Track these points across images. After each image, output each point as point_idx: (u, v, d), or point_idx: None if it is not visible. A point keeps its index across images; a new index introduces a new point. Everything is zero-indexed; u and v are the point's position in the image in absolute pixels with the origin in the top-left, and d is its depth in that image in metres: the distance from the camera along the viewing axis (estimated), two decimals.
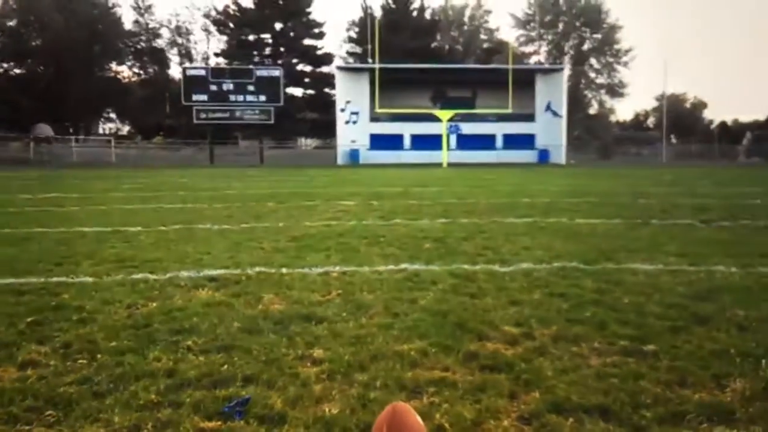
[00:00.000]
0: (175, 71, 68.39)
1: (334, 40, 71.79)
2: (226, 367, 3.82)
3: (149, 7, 67.32)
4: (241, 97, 47.25)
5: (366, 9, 68.17)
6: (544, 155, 48.31)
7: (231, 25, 66.85)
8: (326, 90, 64.93)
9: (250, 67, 51.32)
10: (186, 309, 5.07)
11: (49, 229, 9.98)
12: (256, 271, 6.54)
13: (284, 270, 6.58)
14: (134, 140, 64.76)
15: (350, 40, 73.56)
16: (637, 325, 4.58)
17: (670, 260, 7.03)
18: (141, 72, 69.39)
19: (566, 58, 69.74)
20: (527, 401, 3.33)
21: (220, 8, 67.58)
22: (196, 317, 4.83)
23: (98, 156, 46.01)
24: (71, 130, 58.60)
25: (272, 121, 47.85)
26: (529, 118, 49.37)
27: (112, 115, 73.21)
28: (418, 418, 2.15)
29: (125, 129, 74.53)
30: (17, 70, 60.90)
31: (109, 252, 7.76)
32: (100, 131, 71.53)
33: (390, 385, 3.54)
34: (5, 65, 58.96)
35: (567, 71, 53.23)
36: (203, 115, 47.45)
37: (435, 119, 44.59)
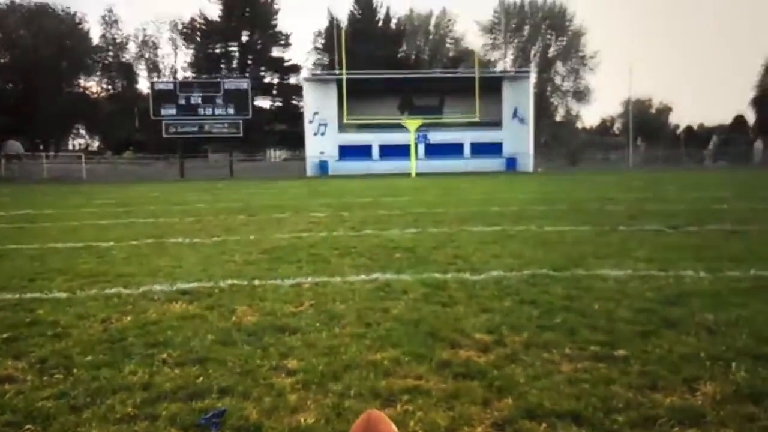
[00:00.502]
0: (143, 85, 67.90)
1: (301, 51, 72.01)
2: (201, 379, 3.83)
3: (116, 21, 66.72)
4: (209, 110, 46.98)
5: (332, 19, 68.34)
6: (511, 163, 48.73)
7: (198, 37, 66.56)
8: (294, 101, 64.89)
9: (218, 79, 51.09)
10: (160, 322, 5.06)
11: (22, 245, 9.85)
12: (229, 283, 6.53)
13: (256, 282, 6.58)
14: (104, 155, 64.01)
15: (317, 50, 73.64)
16: (607, 330, 4.67)
17: (639, 266, 7.16)
18: (109, 87, 68.72)
19: (532, 65, 70.48)
20: (500, 408, 3.38)
21: (187, 20, 67.12)
22: (170, 330, 4.82)
23: (69, 172, 45.36)
24: (41, 147, 57.80)
25: (241, 134, 47.62)
26: (497, 125, 49.77)
27: (82, 131, 72.33)
28: (393, 426, 2.18)
29: (95, 144, 73.66)
30: None
31: (82, 267, 7.69)
32: (70, 147, 70.56)
33: (364, 393, 3.57)
34: None
35: (533, 77, 53.82)
36: (172, 129, 47.07)
37: (403, 129, 44.77)
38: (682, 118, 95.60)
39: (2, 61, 59.15)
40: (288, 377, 3.86)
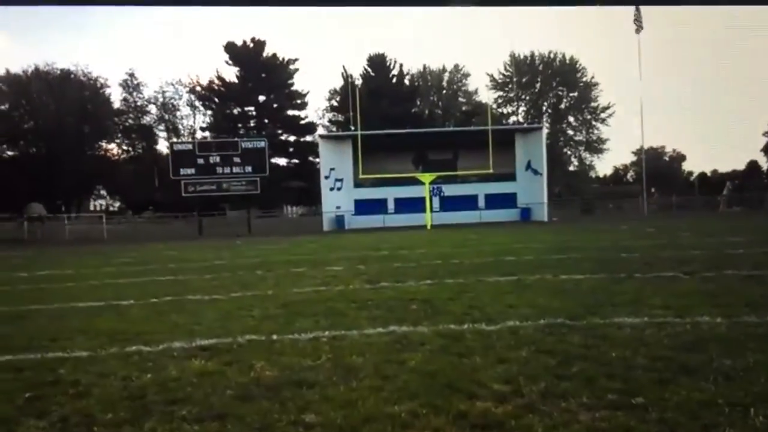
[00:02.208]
0: (162, 146, 69.14)
1: (317, 107, 73.45)
2: None
3: (137, 85, 68.32)
4: (227, 169, 47.62)
5: (347, 77, 69.58)
6: (526, 213, 48.68)
7: (216, 99, 67.96)
8: (310, 158, 65.68)
9: (236, 139, 51.94)
10: (180, 379, 5.12)
11: (44, 305, 9.98)
12: (247, 339, 6.59)
13: (274, 337, 6.64)
14: (124, 215, 64.79)
15: (332, 108, 74.87)
16: (624, 378, 4.67)
17: (656, 313, 7.14)
18: (130, 149, 70.04)
19: (544, 117, 71.01)
20: None
21: (205, 83, 68.66)
22: (189, 387, 4.88)
23: (90, 232, 45.90)
24: (63, 208, 58.68)
25: (258, 191, 48.11)
26: (510, 177, 49.91)
27: (103, 192, 73.51)
28: None
29: (116, 205, 74.70)
30: (10, 152, 61.50)
31: (102, 326, 7.79)
32: (91, 207, 71.62)
33: None
34: None
35: (546, 130, 54.14)
36: (191, 188, 47.68)
37: (418, 182, 45.04)
38: (695, 165, 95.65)
39: (26, 126, 60.62)
40: (306, 431, 3.88)
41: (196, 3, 1.83)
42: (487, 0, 1.84)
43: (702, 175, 69.19)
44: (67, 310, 9.42)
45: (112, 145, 69.57)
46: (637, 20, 48.59)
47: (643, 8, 47.72)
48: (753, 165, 65.05)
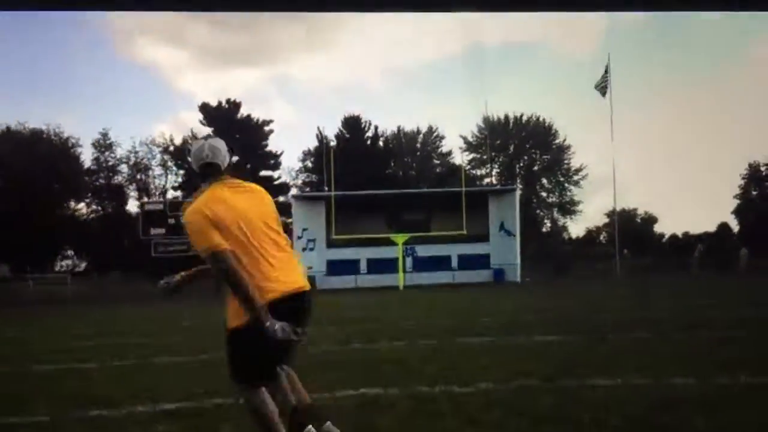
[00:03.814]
0: (132, 206, 68.61)
1: (291, 169, 73.83)
2: None
3: (110, 145, 68.16)
4: None
5: (322, 139, 70.22)
6: (499, 274, 48.83)
7: (189, 159, 68.02)
8: (283, 218, 65.68)
9: None
10: None
11: (3, 367, 9.69)
12: (214, 402, 6.43)
13: (242, 400, 6.46)
14: (90, 276, 63.77)
15: (306, 169, 75.22)
16: None
17: (629, 374, 7.10)
18: (99, 209, 69.40)
19: (518, 179, 72.00)
20: None
21: (178, 141, 68.75)
22: None
23: (55, 293, 45.06)
24: (28, 268, 57.63)
25: None
26: (483, 238, 50.24)
27: (70, 252, 72.37)
28: None
29: (82, 265, 73.49)
30: None
31: (65, 389, 7.54)
32: (57, 267, 70.36)
33: None
34: None
35: (519, 191, 54.92)
36: (161, 248, 47.24)
37: (391, 243, 45.15)
38: (666, 227, 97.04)
39: None
40: None
41: (191, 8, 1.83)
42: (487, 5, 1.86)
43: (673, 237, 70.22)
44: (28, 372, 9.14)
45: (81, 205, 68.97)
46: (603, 86, 49.89)
47: (612, 72, 49.28)
48: (723, 226, 66.23)
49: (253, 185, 4.50)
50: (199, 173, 4.37)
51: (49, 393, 7.30)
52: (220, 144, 4.40)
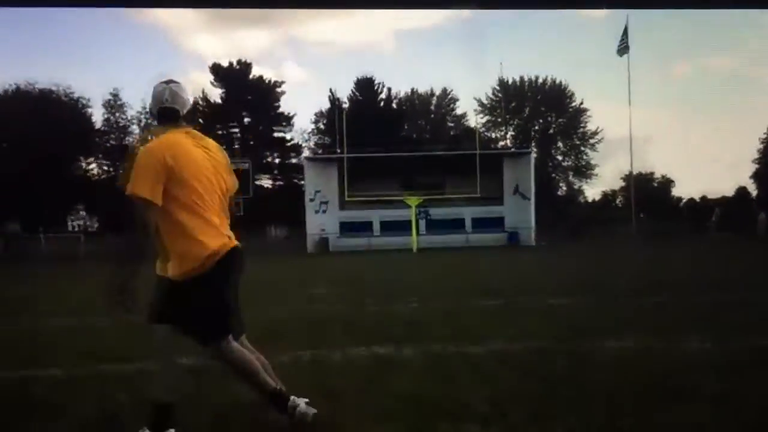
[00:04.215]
0: None
1: (303, 131, 73.30)
2: None
3: (121, 105, 68.08)
4: None
5: (334, 100, 69.75)
6: (513, 237, 48.66)
7: (200, 120, 67.87)
8: (295, 180, 65.60)
9: None
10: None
11: (18, 324, 9.78)
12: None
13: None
14: (104, 236, 64.23)
15: (318, 131, 74.89)
16: (611, 402, 4.57)
17: (643, 337, 7.06)
18: (111, 169, 69.63)
19: (533, 142, 71.34)
20: None
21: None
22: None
23: (68, 252, 45.45)
24: (41, 228, 58.09)
25: (242, 213, 47.97)
26: (498, 201, 50.02)
27: (82, 212, 72.81)
28: None
29: (95, 225, 73.97)
30: None
31: (77, 344, 7.60)
32: (69, 227, 70.84)
33: None
34: None
35: (534, 154, 54.40)
36: None
37: (404, 205, 45.04)
38: (684, 190, 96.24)
39: (4, 145, 60.24)
40: None
41: (195, 5, 1.76)
42: (489, 3, 1.78)
43: (691, 201, 69.58)
44: (41, 328, 9.22)
45: (93, 165, 69.19)
46: (623, 47, 49.03)
47: (631, 33, 48.40)
48: (742, 191, 65.66)
49: (213, 143, 4.40)
50: (156, 117, 4.24)
51: (61, 348, 7.34)
52: (183, 90, 4.23)
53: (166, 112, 4.16)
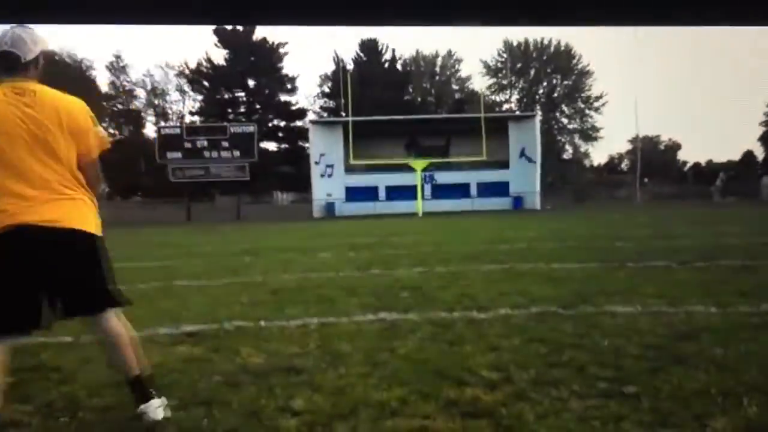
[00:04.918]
0: (149, 130, 68.71)
1: (308, 93, 72.70)
2: (206, 421, 3.79)
3: (124, 68, 67.74)
4: (215, 154, 47.34)
5: (338, 63, 69.25)
6: (518, 202, 48.74)
7: (205, 83, 67.50)
8: (301, 144, 65.46)
9: (225, 124, 51.58)
10: (165, 365, 5.02)
11: None
12: (235, 325, 6.50)
13: (262, 323, 6.55)
14: (113, 200, 64.43)
15: (323, 94, 74.50)
16: (616, 367, 4.60)
17: (648, 302, 7.08)
18: (116, 133, 69.52)
19: (538, 105, 70.83)
20: None
21: (193, 65, 68.13)
22: (175, 373, 4.79)
23: None
24: None
25: (248, 177, 47.96)
26: (503, 165, 49.92)
27: None
28: None
29: (104, 190, 74.20)
30: None
31: None
32: None
33: None
34: None
35: (539, 117, 54.11)
36: (179, 173, 47.44)
37: (409, 170, 44.99)
38: (690, 155, 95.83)
39: None
40: (293, 418, 3.81)
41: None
42: (489, 21, 1.78)
43: (696, 165, 69.31)
44: None
45: (99, 130, 69.09)
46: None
47: None
48: (748, 155, 65.26)
49: (59, 99, 3.71)
50: None
51: None
52: (30, 35, 3.57)
53: (2, 58, 3.51)
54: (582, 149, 77.84)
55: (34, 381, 4.74)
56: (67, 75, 61.70)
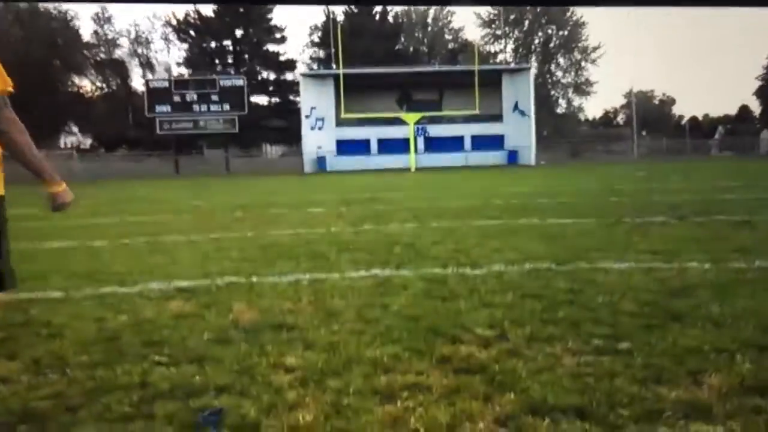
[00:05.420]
0: (137, 83, 67.73)
1: (297, 45, 71.63)
2: (198, 378, 3.75)
3: (109, 18, 66.43)
4: (204, 107, 46.82)
5: (328, 13, 68.10)
6: (513, 156, 48.57)
7: (192, 33, 66.26)
8: (291, 97, 64.74)
9: (214, 77, 50.88)
10: (156, 321, 4.98)
11: (14, 244, 9.70)
12: (226, 281, 6.45)
13: (254, 279, 6.50)
14: (97, 153, 63.85)
15: (313, 44, 73.44)
16: (610, 323, 4.58)
17: (643, 258, 7.08)
18: (103, 85, 68.55)
19: (533, 58, 70.08)
20: (502, 403, 3.30)
21: (180, 16, 66.82)
22: (166, 329, 4.74)
23: (61, 170, 44.78)
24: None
25: (237, 130, 47.57)
26: (497, 118, 49.63)
27: (74, 129, 72.06)
28: None
29: (87, 142, 73.38)
30: None
31: (75, 266, 7.61)
32: (62, 145, 70.26)
33: (364, 390, 3.49)
34: None
35: (534, 70, 53.62)
36: (166, 126, 46.95)
37: (402, 123, 44.66)
38: (686, 109, 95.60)
39: None
40: (286, 375, 3.78)
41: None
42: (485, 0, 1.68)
43: (693, 120, 69.05)
44: (39, 249, 9.21)
45: (85, 81, 68.08)
46: None
47: None
48: (745, 109, 65.07)
49: None
50: None
51: (60, 270, 7.35)
52: None
53: None
54: (576, 103, 77.46)
55: (23, 337, 4.68)
56: (50, 25, 60.68)
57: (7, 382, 3.80)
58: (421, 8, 77.19)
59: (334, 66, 49.98)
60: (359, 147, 48.99)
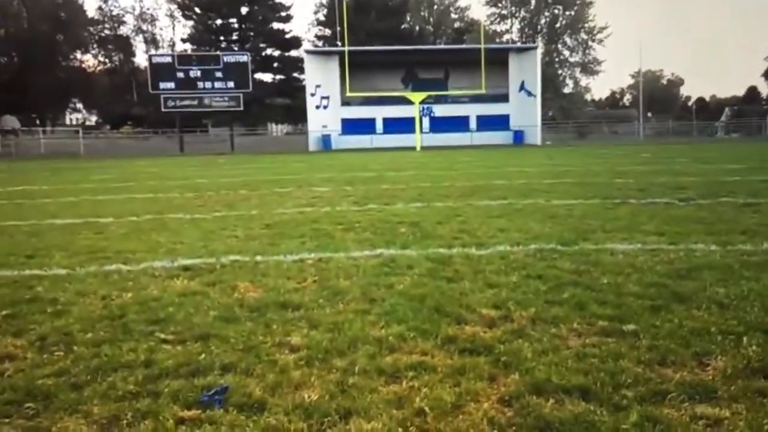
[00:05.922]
0: (141, 59, 67.46)
1: (302, 24, 71.17)
2: (203, 356, 3.76)
3: None
4: (209, 84, 46.55)
5: None
6: (519, 136, 48.34)
7: (197, 9, 65.83)
8: (296, 75, 64.38)
9: (218, 53, 50.54)
10: (161, 299, 5.00)
11: (20, 221, 9.77)
12: (231, 259, 6.46)
13: (259, 258, 6.51)
14: (102, 130, 63.76)
15: (318, 23, 72.95)
16: (616, 305, 4.58)
17: (649, 239, 7.06)
18: (107, 61, 68.29)
19: (539, 37, 69.46)
20: (507, 383, 3.31)
21: None
22: (171, 307, 4.76)
23: (66, 147, 45.16)
24: (38, 122, 57.45)
25: (241, 108, 47.33)
26: (503, 98, 49.30)
27: (79, 105, 71.93)
28: None
29: (92, 119, 73.29)
30: None
31: (81, 243, 7.62)
32: (67, 122, 70.23)
33: (369, 370, 3.51)
34: None
35: (540, 50, 53.16)
36: (171, 103, 46.74)
37: (407, 102, 44.39)
38: (693, 90, 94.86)
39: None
40: (291, 354, 3.79)
41: None
42: None
43: (700, 101, 68.48)
44: (45, 226, 9.23)
45: (88, 57, 67.78)
46: None
47: None
48: (752, 91, 64.54)
49: None
50: None
51: (65, 247, 7.38)
52: None
53: None
54: (583, 83, 76.82)
55: (29, 314, 4.69)
56: (54, 1, 60.29)
57: (13, 360, 3.82)
58: None
59: (338, 44, 49.59)
60: (364, 125, 48.76)
